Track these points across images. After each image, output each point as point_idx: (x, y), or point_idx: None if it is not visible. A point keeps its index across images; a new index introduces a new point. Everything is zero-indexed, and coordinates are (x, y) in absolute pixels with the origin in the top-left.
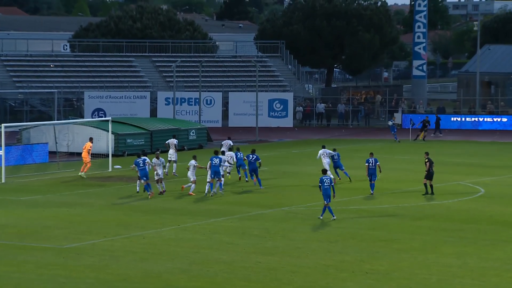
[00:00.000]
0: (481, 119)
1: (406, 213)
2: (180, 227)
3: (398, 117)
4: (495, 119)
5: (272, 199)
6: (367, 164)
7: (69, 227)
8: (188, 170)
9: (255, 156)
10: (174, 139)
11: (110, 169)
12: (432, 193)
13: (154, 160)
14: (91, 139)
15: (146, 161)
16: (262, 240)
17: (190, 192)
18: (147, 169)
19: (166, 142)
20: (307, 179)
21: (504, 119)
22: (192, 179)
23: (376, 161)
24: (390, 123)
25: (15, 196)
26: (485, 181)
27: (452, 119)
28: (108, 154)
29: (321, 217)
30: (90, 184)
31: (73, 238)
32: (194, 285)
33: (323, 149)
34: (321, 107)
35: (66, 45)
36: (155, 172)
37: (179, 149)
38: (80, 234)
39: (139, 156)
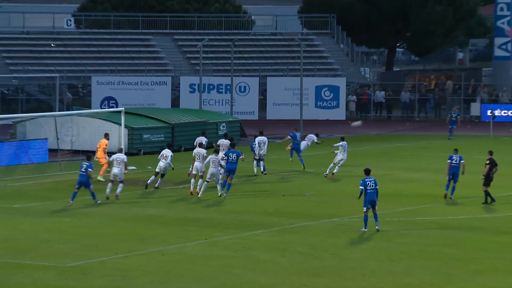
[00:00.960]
0: None
1: (487, 226)
2: (207, 241)
3: (475, 108)
4: None
5: (319, 208)
6: (449, 161)
7: (73, 241)
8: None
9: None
10: (204, 137)
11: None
12: (493, 200)
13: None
14: (106, 135)
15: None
16: (307, 258)
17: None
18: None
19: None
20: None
21: None
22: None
23: (461, 158)
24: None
25: (7, 203)
26: None
27: None
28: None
29: (365, 229)
30: (98, 189)
31: (77, 255)
32: None
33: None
34: (380, 95)
35: (70, 20)
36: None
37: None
38: (86, 250)
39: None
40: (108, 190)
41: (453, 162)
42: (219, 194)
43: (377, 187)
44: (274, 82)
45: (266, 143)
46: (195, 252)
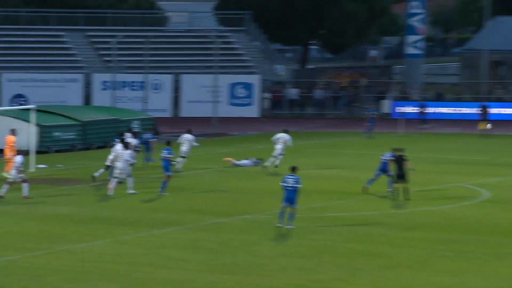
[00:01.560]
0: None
1: (394, 222)
2: (118, 239)
3: (386, 105)
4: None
5: (231, 205)
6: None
7: None
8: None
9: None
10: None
11: (33, 169)
12: (408, 198)
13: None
14: (13, 131)
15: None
16: (218, 256)
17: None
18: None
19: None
20: (276, 180)
21: None
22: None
23: (393, 156)
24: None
25: None
26: (491, 182)
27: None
28: (30, 150)
29: (280, 224)
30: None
31: None
32: None
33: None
34: (293, 92)
35: None
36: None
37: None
38: None
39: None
40: (4, 190)
41: (384, 159)
42: (128, 191)
43: (299, 185)
44: (188, 79)
45: (191, 141)
46: (104, 250)
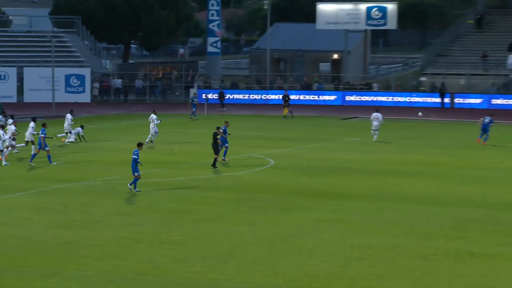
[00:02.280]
0: (271, 96)
1: (202, 185)
2: None
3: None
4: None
5: (69, 173)
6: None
7: None
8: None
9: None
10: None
11: None
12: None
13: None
14: None
15: None
16: (59, 215)
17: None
18: None
19: None
20: (105, 154)
21: (294, 94)
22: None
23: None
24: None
25: None
26: (275, 153)
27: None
28: None
29: (130, 187)
30: None
31: None
32: None
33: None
34: (118, 82)
35: None
36: None
37: None
38: None
39: None
40: None
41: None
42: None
43: (134, 156)
44: (30, 71)
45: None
46: None
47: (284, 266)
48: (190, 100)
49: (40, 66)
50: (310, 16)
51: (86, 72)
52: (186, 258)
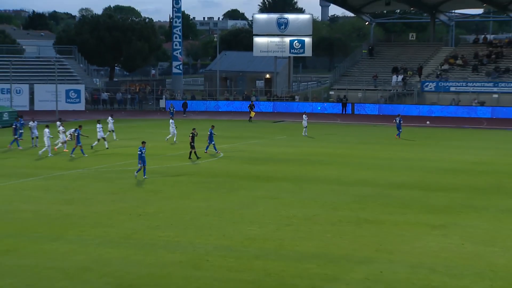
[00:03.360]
0: (220, 105)
1: (169, 172)
2: None
3: (162, 103)
4: (230, 106)
5: (69, 163)
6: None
7: None
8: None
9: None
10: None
11: None
12: (197, 157)
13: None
14: None
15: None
16: (62, 194)
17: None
18: None
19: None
20: (95, 148)
21: (235, 105)
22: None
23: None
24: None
25: None
26: (224, 147)
27: (199, 105)
28: None
29: (144, 177)
30: None
31: None
32: (5, 229)
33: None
34: (104, 95)
35: None
36: None
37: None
38: None
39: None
40: None
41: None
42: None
43: (139, 152)
44: (39, 87)
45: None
46: None
47: (231, 231)
48: (169, 110)
49: (46, 83)
50: (248, 46)
51: (81, 87)
52: (158, 226)
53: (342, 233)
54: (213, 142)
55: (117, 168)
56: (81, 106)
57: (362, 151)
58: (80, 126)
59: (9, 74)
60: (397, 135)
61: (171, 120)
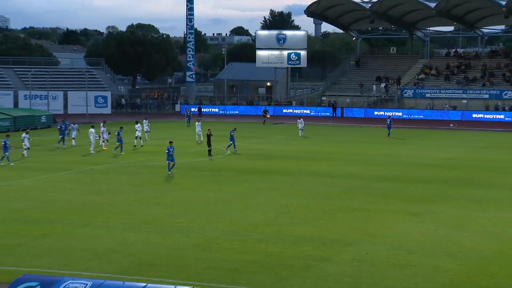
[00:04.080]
0: (228, 108)
1: (184, 167)
2: (35, 178)
3: (177, 107)
4: (236, 110)
5: (97, 159)
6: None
7: None
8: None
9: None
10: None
11: None
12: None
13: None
14: None
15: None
16: (91, 186)
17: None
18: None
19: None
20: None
21: (241, 109)
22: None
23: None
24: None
25: None
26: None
27: (210, 109)
28: None
29: (170, 172)
30: None
31: None
32: (42, 216)
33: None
34: (122, 101)
35: None
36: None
37: (33, 128)
38: None
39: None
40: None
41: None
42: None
43: (166, 151)
44: (72, 94)
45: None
46: (28, 184)
47: (237, 218)
48: (186, 113)
49: (78, 90)
50: (252, 58)
51: (108, 94)
52: (174, 213)
53: (333, 219)
54: (233, 142)
55: (139, 163)
56: (107, 110)
57: (350, 149)
58: (121, 127)
59: (46, 83)
60: (388, 135)
61: (197, 123)
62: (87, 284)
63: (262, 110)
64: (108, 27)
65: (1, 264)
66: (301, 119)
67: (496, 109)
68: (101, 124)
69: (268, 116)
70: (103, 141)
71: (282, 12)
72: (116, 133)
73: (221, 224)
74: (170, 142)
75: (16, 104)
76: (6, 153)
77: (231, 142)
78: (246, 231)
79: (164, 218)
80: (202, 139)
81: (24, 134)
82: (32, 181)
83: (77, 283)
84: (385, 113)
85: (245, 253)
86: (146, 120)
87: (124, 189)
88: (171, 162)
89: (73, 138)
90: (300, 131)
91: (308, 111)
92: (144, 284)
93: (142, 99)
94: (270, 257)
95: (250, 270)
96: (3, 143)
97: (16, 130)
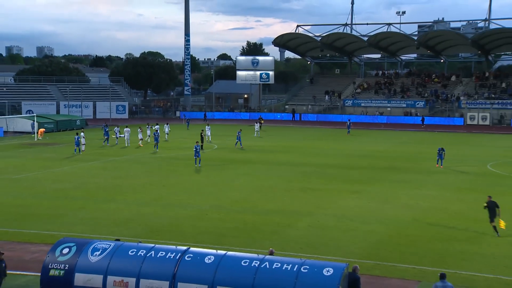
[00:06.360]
0: (215, 114)
1: (183, 157)
2: (72, 166)
3: (177, 113)
4: (221, 116)
5: (118, 152)
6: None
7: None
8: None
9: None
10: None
11: (35, 139)
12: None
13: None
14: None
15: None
16: (113, 172)
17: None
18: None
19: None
20: (134, 143)
21: (225, 114)
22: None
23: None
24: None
25: None
26: (217, 142)
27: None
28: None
29: (199, 165)
30: (31, 144)
31: None
32: (78, 194)
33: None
34: (133, 108)
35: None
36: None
37: (71, 129)
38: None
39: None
40: None
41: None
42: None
43: (194, 149)
44: (100, 104)
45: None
46: (73, 170)
47: (222, 196)
48: (183, 118)
49: (104, 101)
50: (233, 77)
51: (125, 104)
52: (175, 192)
53: (294, 197)
54: (239, 140)
55: (150, 156)
56: (125, 116)
57: (306, 144)
58: (157, 130)
59: (80, 95)
60: (347, 132)
61: (207, 127)
62: (110, 245)
63: (258, 117)
64: (127, 54)
65: (47, 230)
66: (257, 123)
67: (411, 115)
68: (148, 126)
69: (263, 121)
70: (141, 140)
71: (256, 42)
72: (154, 133)
73: (211, 201)
74: (197, 142)
75: (57, 112)
76: (78, 146)
77: (237, 141)
78: (229, 205)
79: (168, 196)
80: (210, 140)
81: (81, 133)
82: (70, 168)
83: (103, 243)
84: (348, 119)
85: (228, 222)
86: (167, 124)
87: (138, 175)
88: (198, 157)
89: (117, 137)
90: (256, 132)
91: (274, 116)
92: (153, 245)
93: (151, 107)
94: (246, 225)
95: (232, 234)
96: (76, 139)
97: (58, 131)
